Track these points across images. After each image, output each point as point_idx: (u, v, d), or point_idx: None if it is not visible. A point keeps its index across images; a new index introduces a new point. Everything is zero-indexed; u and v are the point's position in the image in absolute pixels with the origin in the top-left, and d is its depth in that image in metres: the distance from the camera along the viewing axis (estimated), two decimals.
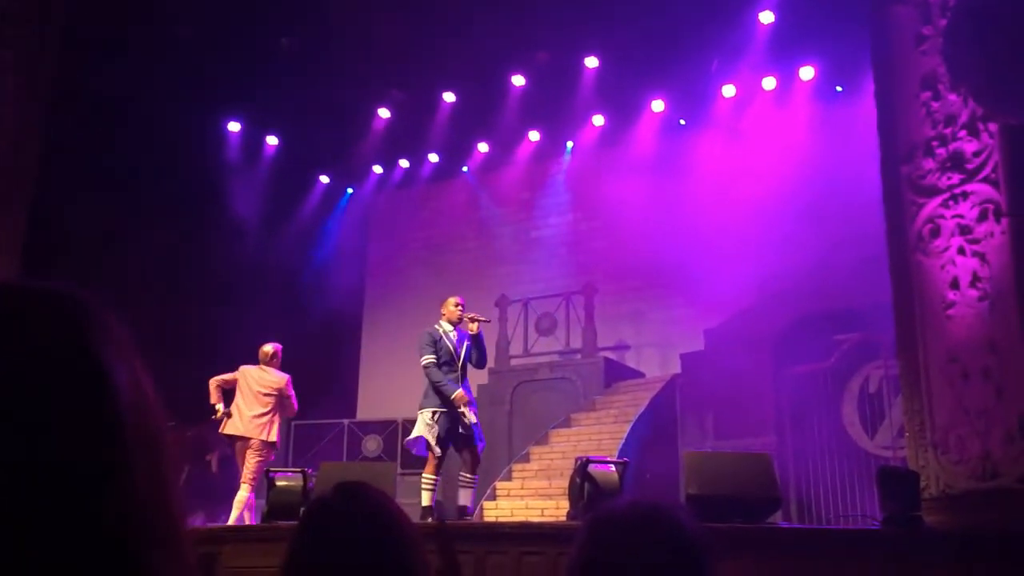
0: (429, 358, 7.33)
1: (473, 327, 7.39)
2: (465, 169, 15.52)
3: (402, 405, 13.65)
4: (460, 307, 7.61)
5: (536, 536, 5.37)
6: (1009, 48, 5.20)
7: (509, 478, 11.11)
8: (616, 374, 12.29)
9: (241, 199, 13.58)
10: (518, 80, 12.82)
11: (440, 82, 12.98)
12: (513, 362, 12.91)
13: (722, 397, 10.11)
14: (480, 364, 7.61)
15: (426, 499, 6.98)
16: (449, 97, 13.27)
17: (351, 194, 15.87)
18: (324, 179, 15.44)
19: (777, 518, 5.86)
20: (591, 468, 6.07)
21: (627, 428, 10.42)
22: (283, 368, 8.78)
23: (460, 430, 7.09)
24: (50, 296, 0.70)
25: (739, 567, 4.55)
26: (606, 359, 12.45)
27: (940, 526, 4.94)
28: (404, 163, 15.39)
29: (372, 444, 13.46)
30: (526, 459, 11.24)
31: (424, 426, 7.09)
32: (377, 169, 15.55)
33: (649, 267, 13.78)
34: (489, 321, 7.95)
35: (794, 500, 9.42)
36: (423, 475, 7.10)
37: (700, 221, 13.16)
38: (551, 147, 14.55)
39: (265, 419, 8.40)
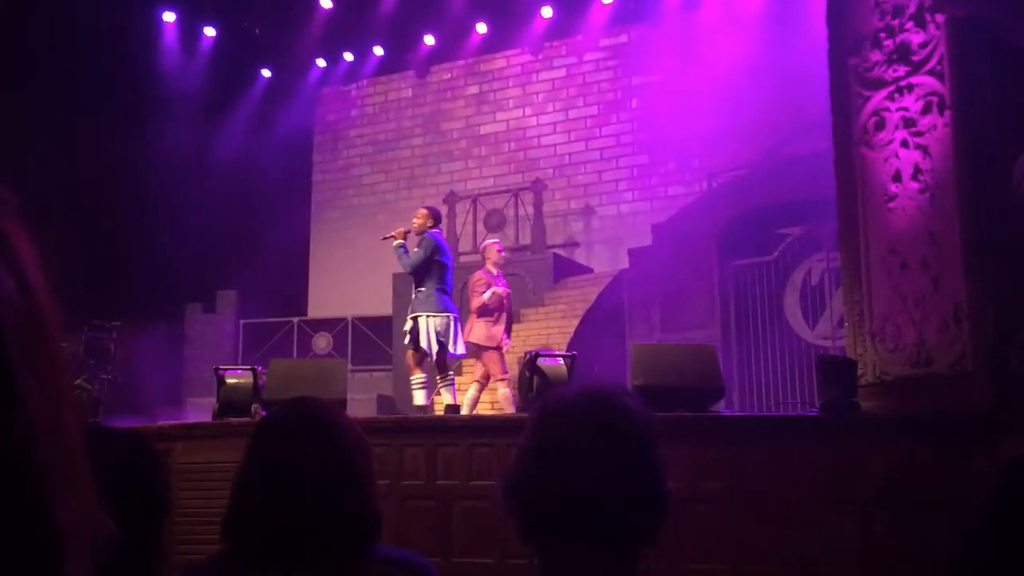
0: None
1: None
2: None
3: (352, 303, 13.66)
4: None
5: (486, 428, 5.47)
6: None
7: (459, 372, 11.25)
8: (565, 270, 12.38)
9: (179, 94, 13.16)
10: None
11: None
12: (462, 259, 12.90)
13: (669, 291, 10.27)
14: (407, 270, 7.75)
15: None
16: None
17: (295, 88, 15.45)
18: (266, 73, 14.99)
19: (720, 407, 6.03)
20: (540, 362, 6.16)
21: (576, 323, 10.56)
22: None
23: None
24: None
25: (684, 454, 4.70)
26: (555, 255, 12.51)
27: (876, 411, 5.12)
28: (348, 56, 14.98)
29: (322, 342, 13.48)
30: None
31: None
32: (320, 63, 15.14)
33: (598, 163, 13.75)
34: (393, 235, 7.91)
35: (737, 389, 9.70)
36: None
37: (649, 117, 13.09)
38: (499, 40, 14.24)
39: (469, 320, 8.41)
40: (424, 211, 7.76)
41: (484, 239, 13.17)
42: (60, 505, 0.56)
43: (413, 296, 7.55)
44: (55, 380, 0.59)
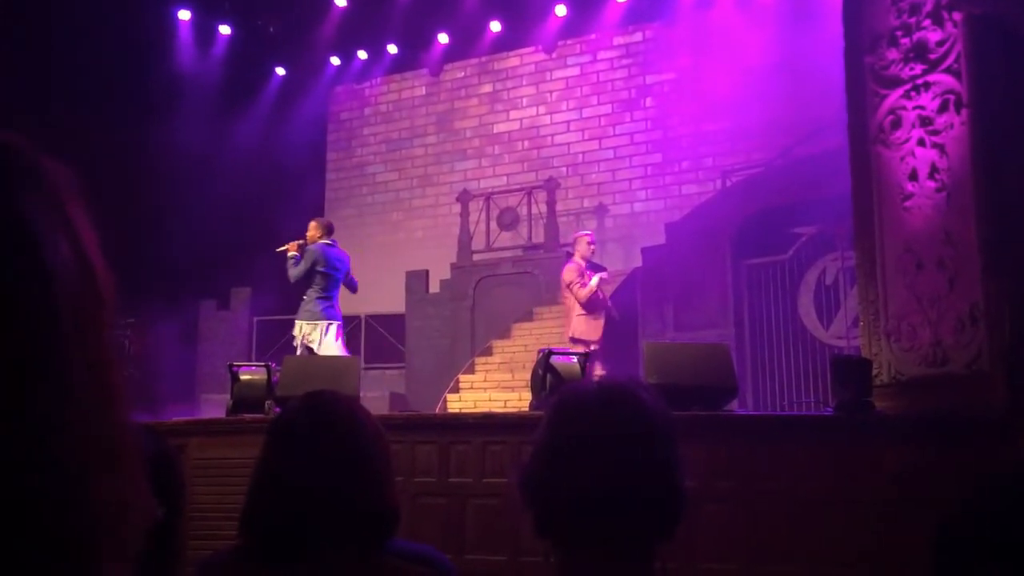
0: None
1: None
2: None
3: (365, 301, 13.67)
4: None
5: (499, 426, 5.46)
6: None
7: (472, 371, 11.26)
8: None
9: (193, 92, 13.21)
10: None
11: None
12: (475, 257, 12.91)
13: (682, 290, 10.24)
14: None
15: None
16: None
17: (309, 86, 15.48)
18: (280, 70, 15.03)
19: (734, 406, 6.01)
20: (553, 360, 6.14)
21: None
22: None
23: None
24: None
25: (697, 453, 4.69)
26: (568, 253, 12.49)
27: (890, 411, 5.09)
28: (362, 54, 15.01)
29: None
30: (489, 352, 11.38)
31: None
32: (334, 61, 15.17)
33: (612, 162, 13.73)
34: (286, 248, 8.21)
35: (751, 388, 9.67)
36: None
37: (663, 116, 13.07)
38: (513, 38, 14.24)
39: (569, 317, 8.34)
40: (313, 223, 8.19)
41: (497, 238, 13.21)
42: (98, 486, 0.55)
43: None
44: (105, 355, 0.57)
